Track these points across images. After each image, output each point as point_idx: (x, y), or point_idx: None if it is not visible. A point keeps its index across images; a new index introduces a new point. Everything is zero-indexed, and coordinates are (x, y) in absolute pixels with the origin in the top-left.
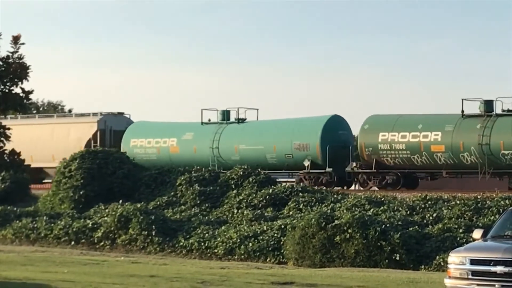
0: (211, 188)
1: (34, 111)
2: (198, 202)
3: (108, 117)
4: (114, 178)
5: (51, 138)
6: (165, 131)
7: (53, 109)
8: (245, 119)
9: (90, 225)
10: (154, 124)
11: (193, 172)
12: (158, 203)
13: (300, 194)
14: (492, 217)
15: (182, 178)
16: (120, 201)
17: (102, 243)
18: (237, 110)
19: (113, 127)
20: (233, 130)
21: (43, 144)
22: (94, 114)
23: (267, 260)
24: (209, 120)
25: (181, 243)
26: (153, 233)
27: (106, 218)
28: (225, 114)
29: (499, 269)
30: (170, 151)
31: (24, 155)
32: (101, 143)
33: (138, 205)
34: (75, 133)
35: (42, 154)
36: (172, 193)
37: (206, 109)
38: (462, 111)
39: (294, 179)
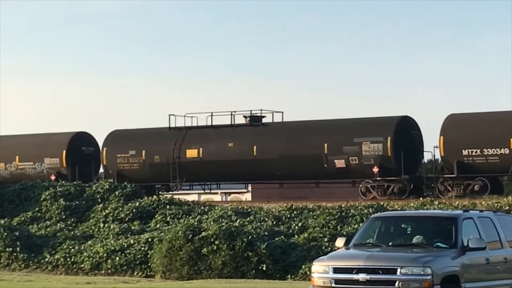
0: (77, 202)
1: None
2: (64, 217)
3: None
4: None
5: None
6: None
7: None
8: None
9: None
10: None
11: (58, 186)
12: (23, 218)
13: (167, 206)
14: (356, 225)
15: (47, 193)
16: None
17: None
18: None
19: None
20: None
21: None
22: None
23: (135, 274)
24: None
25: (47, 259)
26: (18, 249)
27: None
28: None
29: (361, 276)
30: None
31: None
32: None
33: (2, 221)
34: None
35: None
36: (37, 209)
37: None
38: None
39: None
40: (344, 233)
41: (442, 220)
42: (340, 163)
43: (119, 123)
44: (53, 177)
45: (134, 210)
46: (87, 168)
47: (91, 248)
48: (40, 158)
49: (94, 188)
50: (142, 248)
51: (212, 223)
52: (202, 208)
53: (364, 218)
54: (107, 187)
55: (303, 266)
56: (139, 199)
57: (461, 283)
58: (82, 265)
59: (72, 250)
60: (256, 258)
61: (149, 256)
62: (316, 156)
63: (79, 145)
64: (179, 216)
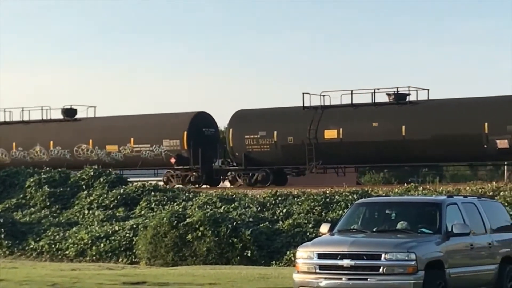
0: (61, 189)
1: None
2: (48, 203)
3: None
4: None
5: None
6: None
7: None
8: None
9: None
10: None
11: (42, 173)
12: (7, 205)
13: (152, 193)
14: (341, 211)
15: (31, 180)
16: None
17: None
18: None
19: None
20: None
21: None
22: None
23: (119, 261)
24: None
25: (31, 246)
26: (2, 236)
27: None
28: None
29: (345, 262)
30: None
31: None
32: None
33: None
34: None
35: None
36: (21, 195)
37: None
38: None
39: None
40: (329, 219)
41: (426, 206)
42: (502, 143)
43: (236, 103)
44: (173, 160)
45: (118, 197)
46: (208, 150)
47: (76, 235)
48: (158, 140)
49: (79, 175)
50: (127, 235)
51: (196, 209)
52: (186, 194)
53: (349, 204)
54: (92, 173)
55: (288, 252)
56: (123, 186)
57: (445, 268)
58: (67, 252)
59: (57, 237)
60: (241, 245)
61: (134, 242)
62: (474, 136)
63: (200, 126)
64: (164, 202)
